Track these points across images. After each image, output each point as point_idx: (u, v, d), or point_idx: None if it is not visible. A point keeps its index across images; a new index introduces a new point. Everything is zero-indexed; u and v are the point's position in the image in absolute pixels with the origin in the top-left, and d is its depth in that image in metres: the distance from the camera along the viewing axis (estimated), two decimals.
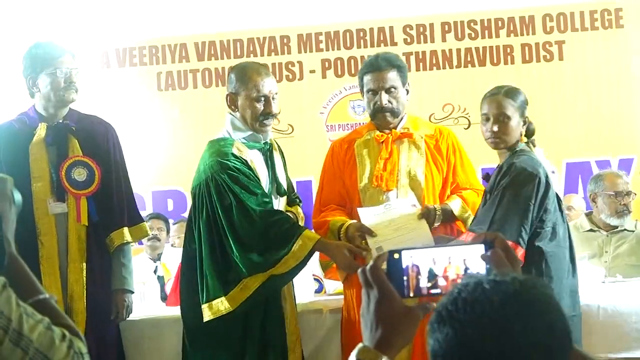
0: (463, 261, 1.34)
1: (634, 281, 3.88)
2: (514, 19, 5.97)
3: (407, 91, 3.48)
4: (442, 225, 3.34)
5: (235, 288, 3.11)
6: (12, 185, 1.52)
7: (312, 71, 6.05)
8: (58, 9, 5.93)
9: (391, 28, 6.02)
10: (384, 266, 1.34)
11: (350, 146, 3.51)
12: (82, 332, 1.52)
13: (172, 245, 5.68)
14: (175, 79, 6.12)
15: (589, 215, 4.65)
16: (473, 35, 5.99)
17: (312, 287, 3.99)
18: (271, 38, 6.08)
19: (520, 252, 2.95)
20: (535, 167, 3.06)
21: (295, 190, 3.65)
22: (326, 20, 6.04)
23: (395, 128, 3.47)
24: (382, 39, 6.02)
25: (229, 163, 3.16)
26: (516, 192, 3.02)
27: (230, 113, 3.32)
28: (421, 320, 1.31)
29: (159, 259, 5.48)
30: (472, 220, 3.22)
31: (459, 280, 1.26)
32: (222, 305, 3.11)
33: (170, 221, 5.73)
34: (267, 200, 3.21)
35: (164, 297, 4.98)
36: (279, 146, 3.51)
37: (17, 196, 1.53)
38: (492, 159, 3.33)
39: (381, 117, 3.44)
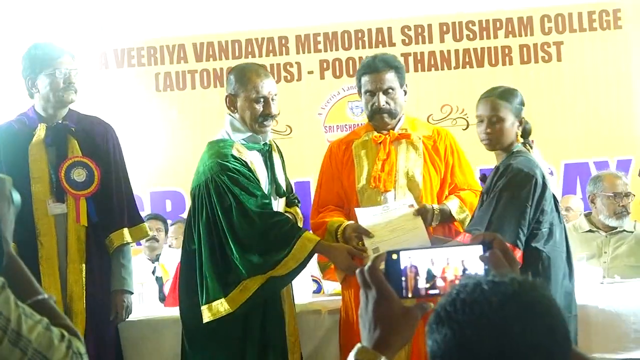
0: (461, 262, 1.34)
1: (633, 282, 3.88)
2: (512, 19, 5.97)
3: (405, 92, 3.48)
4: (440, 225, 3.34)
5: (235, 289, 3.10)
6: (11, 185, 1.52)
7: (310, 72, 6.06)
8: (57, 9, 5.93)
9: (389, 29, 6.03)
10: (382, 267, 1.34)
11: (348, 147, 3.51)
12: (81, 332, 1.52)
13: (169, 246, 5.67)
14: (173, 80, 6.12)
15: (588, 215, 4.64)
16: (471, 36, 5.99)
17: (310, 287, 4.00)
18: (269, 39, 6.08)
19: (518, 254, 2.95)
20: (532, 168, 3.06)
21: (294, 191, 3.65)
22: (324, 21, 6.04)
23: (393, 129, 3.47)
24: (380, 39, 6.02)
25: (229, 164, 3.15)
26: (513, 194, 3.02)
27: (230, 114, 3.31)
28: (420, 321, 1.31)
29: (157, 259, 5.46)
30: (469, 221, 3.22)
31: (457, 281, 1.26)
32: (221, 306, 3.11)
33: (168, 222, 5.73)
34: (266, 201, 3.20)
35: (162, 298, 4.98)
36: (278, 147, 3.50)
37: (16, 196, 1.53)
38: (490, 160, 3.33)
39: (379, 118, 3.43)
